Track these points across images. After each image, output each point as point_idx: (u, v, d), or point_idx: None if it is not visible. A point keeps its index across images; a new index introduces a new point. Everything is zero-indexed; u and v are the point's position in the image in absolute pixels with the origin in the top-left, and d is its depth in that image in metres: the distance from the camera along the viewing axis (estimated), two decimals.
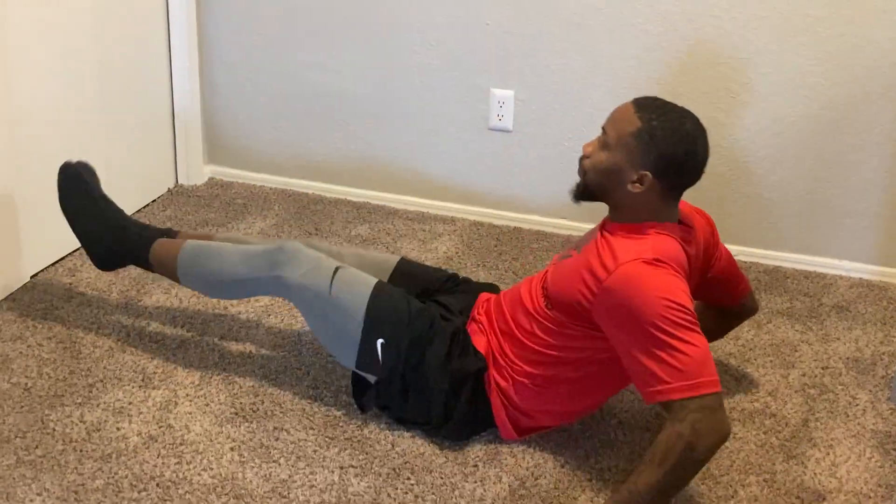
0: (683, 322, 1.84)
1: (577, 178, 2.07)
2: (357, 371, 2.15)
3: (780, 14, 2.76)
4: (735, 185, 2.98)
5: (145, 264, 2.37)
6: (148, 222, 2.66)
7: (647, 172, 1.94)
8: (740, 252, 3.00)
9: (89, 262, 2.77)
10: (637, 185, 1.95)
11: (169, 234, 2.41)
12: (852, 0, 2.70)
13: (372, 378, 2.14)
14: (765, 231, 3.01)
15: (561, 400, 2.09)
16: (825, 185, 2.91)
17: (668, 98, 2.00)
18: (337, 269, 2.16)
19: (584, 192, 2.06)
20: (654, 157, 1.93)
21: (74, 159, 2.43)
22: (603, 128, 2.01)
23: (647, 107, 1.96)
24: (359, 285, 2.14)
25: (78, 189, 2.38)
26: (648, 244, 1.94)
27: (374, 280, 2.16)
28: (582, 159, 2.04)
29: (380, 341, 2.09)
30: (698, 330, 1.87)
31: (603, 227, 2.06)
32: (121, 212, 2.42)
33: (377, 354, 2.09)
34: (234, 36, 3.22)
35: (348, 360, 2.14)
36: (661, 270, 1.89)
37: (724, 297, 2.32)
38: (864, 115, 2.81)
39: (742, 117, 2.89)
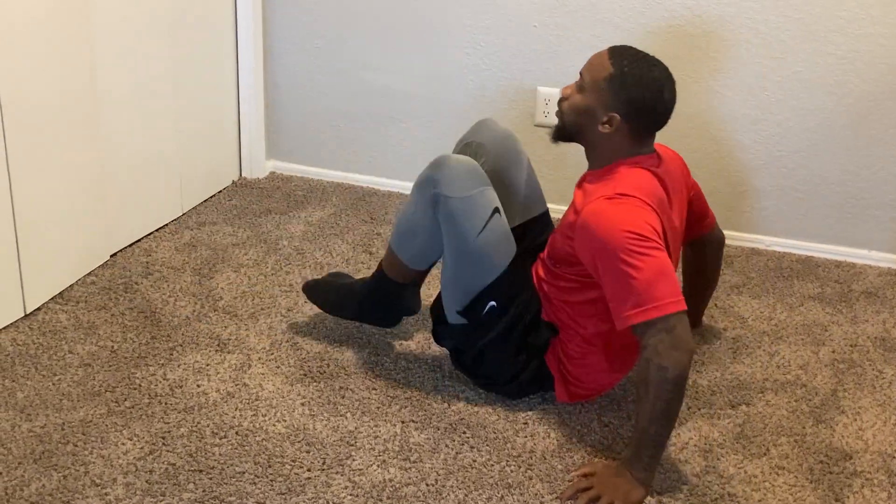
0: (638, 249, 1.93)
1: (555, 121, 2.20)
2: (457, 312, 2.25)
3: (811, 15, 2.89)
4: (769, 179, 3.10)
5: (401, 287, 2.38)
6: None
7: (616, 115, 2.07)
8: (774, 242, 3.14)
9: (165, 243, 2.99)
10: (606, 125, 2.08)
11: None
12: (880, 1, 2.83)
13: (458, 319, 2.25)
14: (798, 222, 3.12)
15: (597, 358, 2.21)
16: (854, 179, 3.03)
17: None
18: (495, 210, 2.18)
19: (561, 132, 2.19)
20: (624, 100, 2.06)
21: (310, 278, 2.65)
22: (581, 72, 2.14)
23: (621, 54, 2.09)
24: (503, 248, 2.18)
25: (327, 293, 2.49)
26: (614, 183, 2.06)
27: (515, 248, 2.21)
28: (560, 101, 2.18)
29: (491, 303, 2.20)
30: (655, 254, 1.93)
31: (581, 180, 2.20)
32: (360, 282, 2.47)
33: (483, 311, 2.21)
34: (295, 41, 3.39)
35: (455, 300, 2.23)
36: (620, 205, 2.00)
37: (698, 226, 2.42)
38: (890, 111, 2.93)
39: (775, 113, 3.02)
